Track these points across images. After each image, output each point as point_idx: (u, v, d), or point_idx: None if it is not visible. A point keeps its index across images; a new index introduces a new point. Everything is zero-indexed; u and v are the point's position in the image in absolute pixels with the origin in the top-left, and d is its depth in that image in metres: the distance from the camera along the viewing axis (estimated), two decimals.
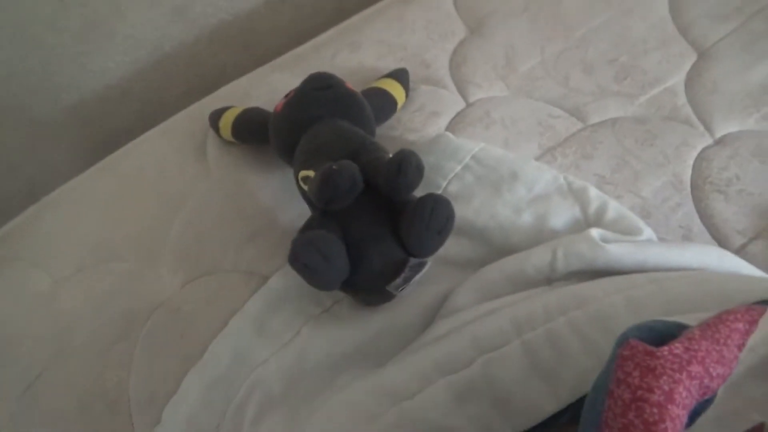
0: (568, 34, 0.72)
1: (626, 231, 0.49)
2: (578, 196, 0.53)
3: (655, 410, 0.28)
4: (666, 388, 0.29)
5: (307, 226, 0.49)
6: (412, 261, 0.48)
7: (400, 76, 0.66)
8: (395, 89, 0.63)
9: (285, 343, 0.50)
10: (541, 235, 0.51)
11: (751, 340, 0.33)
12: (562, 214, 0.52)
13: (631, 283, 0.44)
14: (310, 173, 0.49)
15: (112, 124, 0.95)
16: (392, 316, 0.50)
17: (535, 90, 0.67)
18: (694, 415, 0.32)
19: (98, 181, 0.68)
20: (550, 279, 0.47)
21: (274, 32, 0.99)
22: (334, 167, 0.45)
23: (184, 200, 0.62)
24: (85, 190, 0.67)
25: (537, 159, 0.61)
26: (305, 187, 0.48)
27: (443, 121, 0.64)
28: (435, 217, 0.47)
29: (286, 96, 0.59)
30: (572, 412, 0.37)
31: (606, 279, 0.45)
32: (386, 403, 0.42)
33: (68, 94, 0.88)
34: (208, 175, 0.64)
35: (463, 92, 0.68)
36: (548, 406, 0.40)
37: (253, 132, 0.62)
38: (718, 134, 0.63)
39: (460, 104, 0.66)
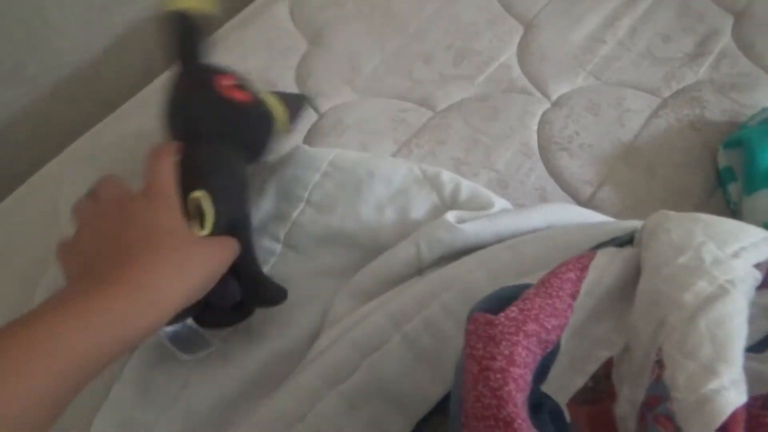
0: (402, 29, 0.74)
1: (480, 207, 0.52)
2: (433, 183, 0.54)
3: (498, 376, 0.30)
4: (506, 352, 0.31)
5: None
6: (191, 322, 0.47)
7: (293, 104, 0.61)
8: (279, 113, 0.57)
9: (173, 397, 0.47)
10: (405, 228, 0.52)
11: (585, 286, 0.36)
12: (421, 204, 0.53)
13: (490, 254, 0.46)
14: (207, 206, 0.45)
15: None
16: (279, 341, 0.49)
17: (382, 88, 0.69)
18: (544, 370, 0.34)
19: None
20: (420, 270, 0.49)
21: (121, 76, 0.95)
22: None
23: (42, 268, 0.58)
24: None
25: (395, 154, 0.63)
26: (192, 207, 0.44)
27: (298, 137, 0.64)
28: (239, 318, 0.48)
29: (241, 86, 0.52)
30: None
31: (468, 256, 0.47)
32: (280, 429, 0.41)
33: None
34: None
35: (312, 104, 0.68)
36: (436, 390, 0.41)
37: (191, 44, 0.52)
38: (554, 97, 0.67)
39: (312, 117, 0.67)
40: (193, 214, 0.44)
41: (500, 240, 0.48)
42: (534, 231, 0.48)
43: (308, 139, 0.65)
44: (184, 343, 0.46)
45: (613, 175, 0.60)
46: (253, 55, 0.73)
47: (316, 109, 0.68)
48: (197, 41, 0.52)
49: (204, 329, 0.48)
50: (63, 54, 0.88)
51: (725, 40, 0.70)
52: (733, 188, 0.57)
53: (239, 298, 0.46)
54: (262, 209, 0.55)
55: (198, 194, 0.44)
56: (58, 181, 0.66)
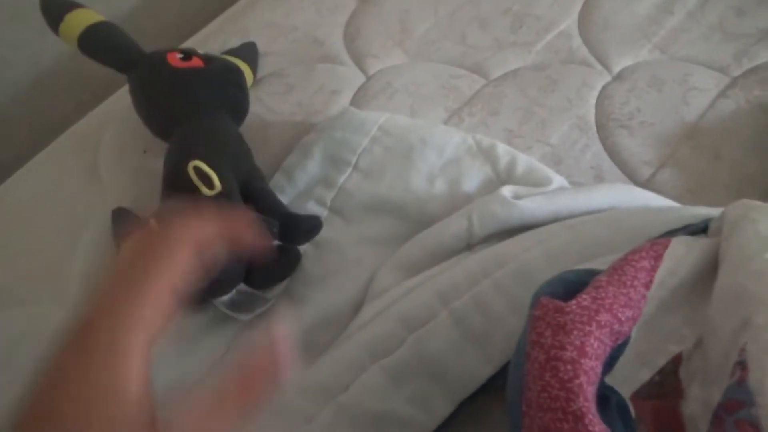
0: None
1: (537, 183, 0.49)
2: (488, 155, 0.52)
3: (569, 367, 0.28)
4: (577, 342, 0.29)
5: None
6: (243, 287, 0.47)
7: (246, 52, 0.63)
8: (242, 69, 0.60)
9: (216, 363, 0.47)
10: (456, 201, 0.50)
11: (659, 276, 0.34)
12: (474, 176, 0.51)
13: (548, 234, 0.44)
14: (205, 168, 0.46)
15: None
16: (322, 309, 0.49)
17: (434, 52, 0.66)
18: (612, 361, 0.32)
19: None
20: (470, 244, 0.47)
21: (161, 30, 0.93)
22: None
23: (83, 227, 0.57)
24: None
25: (445, 122, 0.60)
26: (194, 177, 0.45)
27: (345, 98, 0.62)
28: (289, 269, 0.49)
29: (189, 55, 0.54)
30: (506, 375, 0.37)
31: (524, 234, 0.45)
32: (321, 400, 0.40)
33: None
34: (104, 195, 0.59)
35: (361, 66, 0.66)
36: (483, 370, 0.40)
37: (112, 55, 0.54)
38: (616, 70, 0.64)
39: (360, 78, 0.64)
40: (199, 183, 0.45)
41: (557, 219, 0.46)
42: (594, 212, 0.46)
43: (355, 102, 0.63)
44: (242, 305, 0.46)
45: (675, 156, 0.57)
46: (298, 11, 0.71)
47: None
48: (120, 42, 0.54)
49: (259, 290, 0.48)
50: (105, 6, 0.87)
51: None
52: None
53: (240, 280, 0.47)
54: (308, 172, 0.54)
55: (193, 163, 0.45)
56: (99, 131, 0.65)
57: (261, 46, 0.67)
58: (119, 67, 0.55)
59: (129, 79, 0.55)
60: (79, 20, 0.52)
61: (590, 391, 0.29)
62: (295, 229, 0.47)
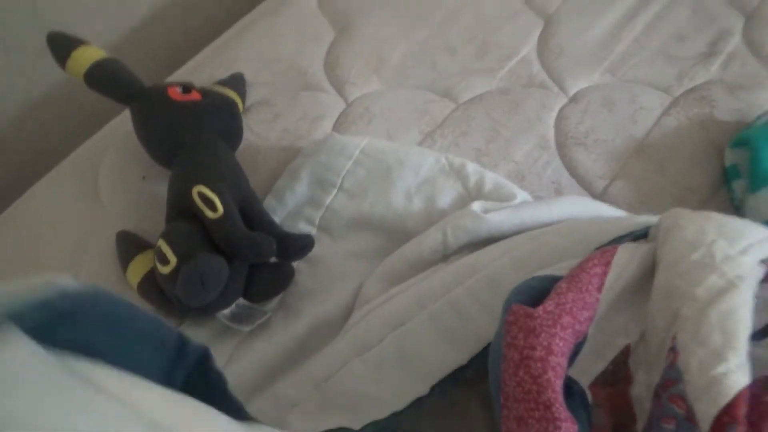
0: (428, 21, 0.77)
1: (503, 198, 0.55)
2: (459, 174, 0.58)
3: (539, 365, 0.34)
4: (545, 343, 0.35)
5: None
6: (242, 301, 0.53)
7: (234, 83, 0.68)
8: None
9: (224, 367, 0.52)
10: (432, 216, 0.56)
11: (608, 280, 0.40)
12: (447, 193, 0.57)
13: (513, 244, 0.50)
14: (208, 193, 0.51)
15: None
16: (315, 318, 0.54)
17: (408, 79, 0.72)
18: (573, 356, 0.38)
19: None
20: (446, 256, 0.53)
21: (148, 59, 0.97)
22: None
23: (85, 251, 0.61)
24: None
25: (419, 144, 0.66)
26: (199, 202, 0.50)
27: (328, 124, 0.68)
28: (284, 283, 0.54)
29: (188, 89, 0.58)
30: (475, 367, 0.43)
31: (492, 245, 0.51)
32: (308, 388, 0.46)
33: None
34: (105, 220, 0.63)
35: (341, 92, 0.71)
36: (453, 360, 0.45)
37: (117, 89, 0.59)
38: (571, 92, 0.71)
39: (341, 105, 0.70)
40: (203, 206, 0.50)
41: (522, 230, 0.52)
42: (554, 223, 0.52)
43: (337, 127, 0.68)
44: (242, 318, 0.51)
45: (626, 170, 0.64)
46: (282, 43, 0.76)
47: (344, 99, 0.71)
48: (123, 77, 0.59)
49: (257, 303, 0.53)
50: (91, 32, 0.90)
51: (736, 40, 0.73)
52: (738, 185, 0.61)
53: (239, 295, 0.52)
54: (297, 194, 0.59)
55: (196, 189, 0.50)
56: (98, 158, 0.69)
57: (247, 77, 0.72)
58: (122, 99, 0.59)
59: (132, 111, 0.59)
60: (85, 57, 0.56)
61: (557, 383, 0.34)
62: (290, 247, 0.52)
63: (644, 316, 0.40)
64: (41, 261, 0.63)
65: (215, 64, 0.75)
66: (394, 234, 0.57)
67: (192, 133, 0.55)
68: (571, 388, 0.38)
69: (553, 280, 0.41)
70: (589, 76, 0.72)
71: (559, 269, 0.42)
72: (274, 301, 0.55)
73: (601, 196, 0.62)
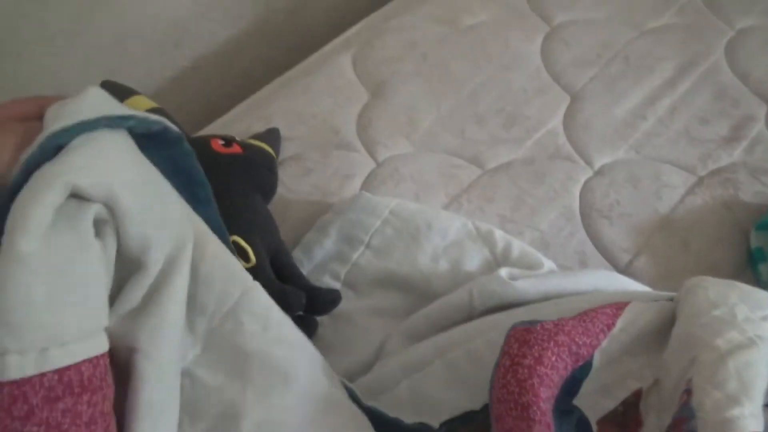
0: (458, 90, 0.80)
1: (530, 266, 0.56)
2: (486, 239, 0.59)
3: (526, 370, 0.36)
4: (536, 354, 0.37)
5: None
6: None
7: (270, 137, 0.70)
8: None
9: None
10: (457, 279, 0.56)
11: (621, 322, 0.42)
12: (474, 257, 0.58)
13: (538, 308, 0.50)
14: (242, 243, 0.52)
15: None
16: (337, 372, 0.53)
17: (437, 144, 0.74)
18: (576, 383, 0.40)
19: None
20: (471, 317, 0.53)
21: (183, 109, 1.01)
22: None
23: None
24: None
25: (445, 207, 0.68)
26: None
27: (357, 182, 0.70)
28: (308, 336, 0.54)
29: (229, 142, 0.60)
30: (487, 413, 0.43)
31: (518, 308, 0.51)
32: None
33: None
34: None
35: (372, 153, 0.73)
36: (465, 404, 0.44)
37: None
38: (597, 166, 0.72)
39: (371, 164, 0.72)
40: (237, 256, 0.50)
41: (547, 298, 0.52)
42: (580, 293, 0.52)
43: (366, 185, 0.70)
44: None
45: (650, 245, 0.64)
46: (317, 102, 0.79)
47: (374, 157, 0.73)
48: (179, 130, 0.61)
49: None
50: (134, 80, 0.95)
51: (759, 126, 0.75)
52: (764, 268, 0.61)
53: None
54: (325, 248, 0.60)
55: (231, 239, 0.51)
56: None
57: (282, 132, 0.75)
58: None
59: None
60: (137, 105, 0.59)
61: (542, 392, 0.36)
62: (318, 301, 0.53)
63: (659, 364, 0.41)
64: None
65: (253, 117, 0.78)
66: (419, 293, 0.57)
67: (229, 184, 0.57)
68: (571, 412, 0.39)
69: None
70: (614, 152, 0.73)
71: None
72: None
73: (625, 270, 0.63)
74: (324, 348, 0.54)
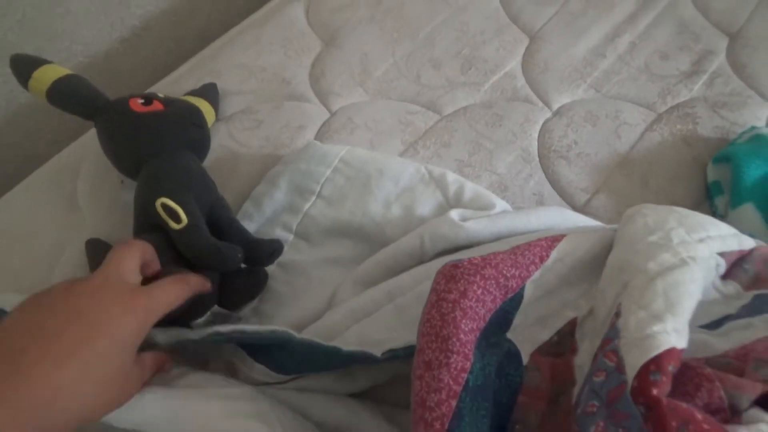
0: (413, 35, 0.77)
1: (483, 207, 0.55)
2: (438, 183, 0.58)
3: (450, 305, 0.36)
4: (462, 288, 0.37)
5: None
6: (217, 309, 0.52)
7: (207, 93, 0.68)
8: (204, 108, 0.65)
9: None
10: (410, 224, 0.55)
11: (558, 253, 0.42)
12: (426, 202, 0.57)
13: (488, 248, 0.49)
14: (172, 204, 0.50)
15: None
16: (290, 323, 0.52)
17: (392, 91, 0.72)
18: (507, 316, 0.40)
19: None
20: (422, 262, 0.52)
21: (136, 70, 0.98)
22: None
23: (60, 251, 0.60)
24: None
25: (401, 154, 0.66)
26: (162, 213, 0.49)
27: (310, 133, 0.68)
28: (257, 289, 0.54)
29: (150, 99, 0.58)
30: None
31: (469, 250, 0.50)
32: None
33: None
34: (82, 225, 0.62)
35: (325, 103, 0.71)
36: (411, 338, 0.43)
37: (79, 104, 0.57)
38: (555, 107, 0.71)
39: (324, 115, 0.70)
40: (167, 218, 0.49)
41: (499, 239, 0.51)
42: (531, 232, 0.51)
43: (319, 136, 0.68)
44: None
45: (608, 183, 0.64)
46: (268, 54, 0.76)
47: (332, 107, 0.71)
48: (85, 93, 0.58)
49: (232, 311, 0.51)
50: (80, 42, 0.91)
51: (719, 59, 0.74)
52: (720, 201, 0.60)
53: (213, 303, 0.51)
54: (275, 200, 0.58)
55: (159, 201, 0.50)
56: (77, 163, 0.68)
57: (232, 86, 0.73)
58: (86, 115, 0.58)
59: (96, 125, 0.59)
60: (46, 76, 0.55)
61: (464, 323, 0.36)
62: (259, 252, 0.51)
63: (594, 293, 0.41)
64: (17, 263, 0.62)
65: (201, 73, 0.75)
66: (372, 242, 0.56)
67: (153, 144, 0.55)
68: (499, 344, 0.39)
69: None
70: (573, 91, 0.72)
71: None
72: (249, 308, 0.53)
73: (583, 209, 0.62)
74: (276, 301, 0.54)
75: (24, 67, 0.56)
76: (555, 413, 0.36)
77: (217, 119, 0.70)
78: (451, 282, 0.37)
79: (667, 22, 0.78)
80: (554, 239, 0.43)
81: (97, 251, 0.57)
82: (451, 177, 0.58)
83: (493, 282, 0.38)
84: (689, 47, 0.75)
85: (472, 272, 0.38)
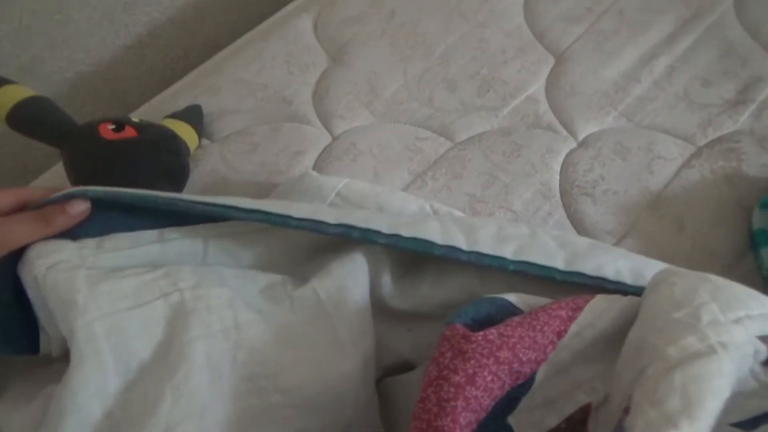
0: (428, 53, 0.71)
1: None
2: None
3: (452, 389, 0.31)
4: (470, 371, 0.31)
5: None
6: None
7: (190, 116, 0.63)
8: (185, 133, 0.59)
9: None
10: None
11: (576, 326, 0.35)
12: None
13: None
14: None
15: None
16: None
17: (401, 114, 0.66)
18: (512, 401, 0.34)
19: None
20: None
21: (140, 78, 0.94)
22: None
23: None
24: None
25: (407, 185, 0.60)
26: None
27: (309, 159, 0.62)
28: None
29: (121, 125, 0.53)
30: None
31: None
32: None
33: None
34: None
35: (327, 126, 0.66)
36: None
37: (42, 130, 0.53)
38: (581, 136, 0.64)
39: (326, 139, 0.64)
40: None
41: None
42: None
43: (319, 162, 0.62)
44: None
45: (638, 226, 0.57)
46: (270, 69, 0.71)
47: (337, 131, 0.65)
48: (50, 117, 0.53)
49: None
50: (82, 50, 0.87)
51: None
52: (766, 253, 0.53)
53: None
54: None
55: None
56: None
57: (230, 104, 0.68)
58: (50, 141, 0.54)
59: (62, 153, 0.54)
60: (6, 97, 0.51)
61: (465, 416, 0.31)
62: None
63: (612, 375, 0.35)
64: None
65: (199, 89, 0.71)
66: None
67: (126, 174, 0.50)
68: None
69: (508, 309, 0.37)
70: (602, 119, 0.65)
71: (518, 301, 0.38)
72: None
73: None
74: None
75: None
76: None
77: (212, 140, 0.65)
78: (459, 359, 0.32)
79: (710, 45, 0.70)
80: (575, 308, 0.36)
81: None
82: (459, 217, 0.52)
83: (506, 368, 0.32)
84: (735, 73, 0.67)
85: (485, 353, 0.32)
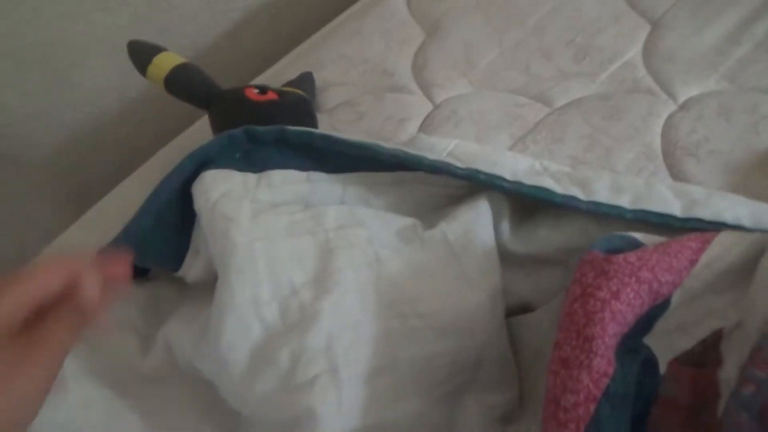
0: (522, 22, 0.73)
1: None
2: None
3: (598, 303, 0.33)
4: (614, 288, 0.34)
5: None
6: None
7: (304, 83, 0.67)
8: None
9: None
10: None
11: (706, 257, 0.37)
12: None
13: None
14: None
15: (88, 176, 0.94)
16: None
17: (498, 82, 0.68)
18: (651, 321, 0.36)
19: (82, 238, 0.68)
20: None
21: (238, 63, 0.99)
22: None
23: None
24: (70, 248, 0.67)
25: (509, 149, 0.62)
26: None
27: (413, 126, 0.65)
28: None
29: (264, 90, 0.58)
30: None
31: None
32: None
33: (38, 150, 0.88)
34: None
35: (428, 95, 0.68)
36: None
37: (195, 92, 0.59)
38: (681, 99, 0.64)
39: (428, 107, 0.67)
40: None
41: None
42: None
43: (422, 129, 0.65)
44: None
45: (746, 185, 0.57)
46: (369, 44, 0.75)
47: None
48: (201, 81, 0.59)
49: None
50: (187, 37, 0.93)
51: None
52: None
53: None
54: None
55: None
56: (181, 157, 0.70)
57: (335, 77, 0.72)
58: (200, 103, 0.59)
59: (210, 113, 0.59)
60: (164, 63, 0.57)
61: (611, 327, 0.33)
62: None
63: (744, 303, 0.36)
64: None
65: (302, 65, 0.75)
66: None
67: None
68: (637, 350, 0.36)
69: (637, 245, 0.39)
70: (703, 82, 0.65)
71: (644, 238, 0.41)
72: None
73: None
74: None
75: (143, 53, 0.58)
76: (694, 427, 0.33)
77: (320, 111, 0.69)
78: (602, 278, 0.34)
79: None
80: (704, 240, 0.38)
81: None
82: (570, 171, 0.53)
83: (646, 287, 0.35)
84: None
85: (627, 273, 0.34)
